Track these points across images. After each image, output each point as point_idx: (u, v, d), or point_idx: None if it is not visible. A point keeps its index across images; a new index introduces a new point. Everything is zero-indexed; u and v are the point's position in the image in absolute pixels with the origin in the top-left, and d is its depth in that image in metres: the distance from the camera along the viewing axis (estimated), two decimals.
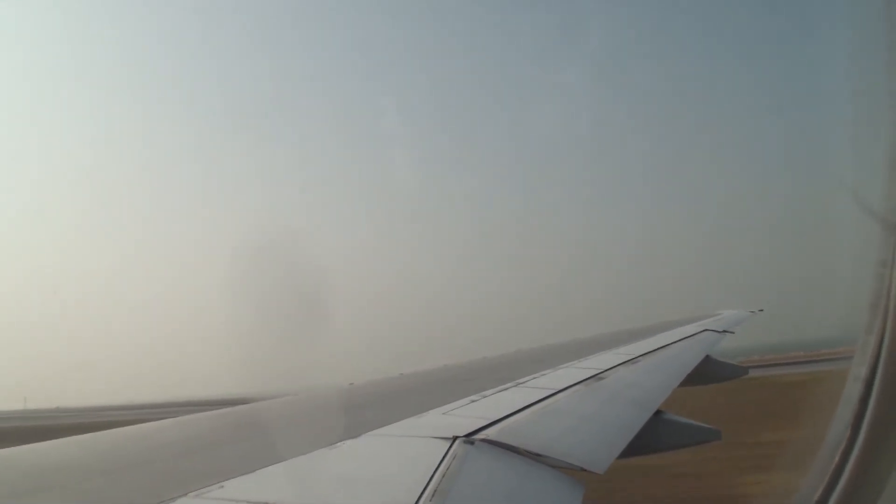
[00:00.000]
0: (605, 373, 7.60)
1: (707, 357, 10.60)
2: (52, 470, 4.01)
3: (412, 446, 4.23)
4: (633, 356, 9.12)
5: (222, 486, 3.18)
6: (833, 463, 2.86)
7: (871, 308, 2.80)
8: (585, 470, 4.09)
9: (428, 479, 3.37)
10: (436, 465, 3.59)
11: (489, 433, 4.39)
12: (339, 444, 4.16)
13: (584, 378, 7.08)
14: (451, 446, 4.00)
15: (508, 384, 6.56)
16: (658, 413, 6.23)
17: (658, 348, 10.28)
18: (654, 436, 5.82)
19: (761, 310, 18.49)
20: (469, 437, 4.22)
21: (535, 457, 4.11)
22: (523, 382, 6.75)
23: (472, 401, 5.62)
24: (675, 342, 11.24)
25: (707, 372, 10.38)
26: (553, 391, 6.18)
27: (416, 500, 3.08)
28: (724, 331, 13.72)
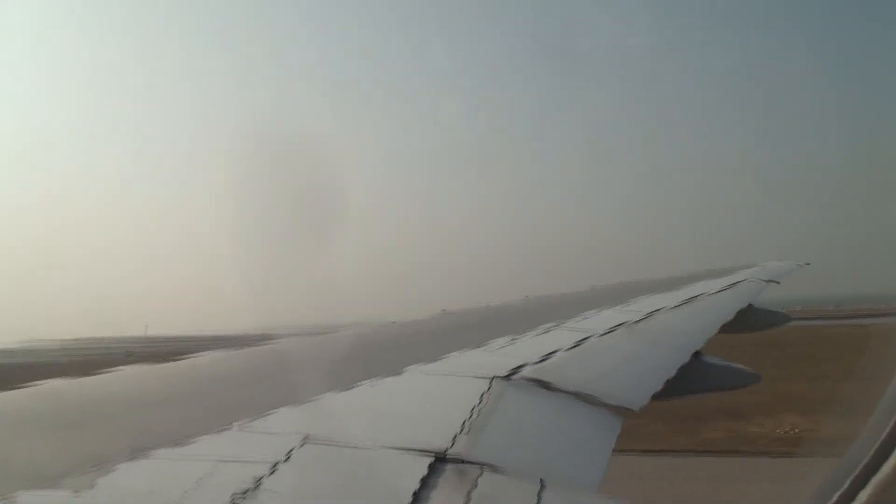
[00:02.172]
0: (648, 316, 7.58)
1: (750, 304, 10.49)
2: (103, 401, 4.18)
3: (452, 383, 4.31)
4: (677, 301, 9.07)
5: (265, 419, 3.30)
6: (868, 455, 2.68)
7: None
8: (620, 408, 4.13)
9: (467, 415, 3.44)
10: (475, 402, 3.67)
11: (528, 372, 4.45)
12: (381, 378, 4.26)
13: (626, 321, 7.07)
14: (490, 384, 4.07)
15: (550, 325, 6.59)
16: (697, 356, 6.22)
17: (702, 295, 10.19)
18: (692, 378, 5.83)
19: (808, 262, 18.09)
20: (508, 376, 4.29)
21: (571, 394, 4.17)
22: (565, 324, 6.77)
23: (513, 341, 5.68)
24: (719, 290, 11.13)
25: (750, 319, 10.27)
26: (594, 333, 6.20)
27: (454, 435, 3.15)
28: (770, 280, 13.51)
